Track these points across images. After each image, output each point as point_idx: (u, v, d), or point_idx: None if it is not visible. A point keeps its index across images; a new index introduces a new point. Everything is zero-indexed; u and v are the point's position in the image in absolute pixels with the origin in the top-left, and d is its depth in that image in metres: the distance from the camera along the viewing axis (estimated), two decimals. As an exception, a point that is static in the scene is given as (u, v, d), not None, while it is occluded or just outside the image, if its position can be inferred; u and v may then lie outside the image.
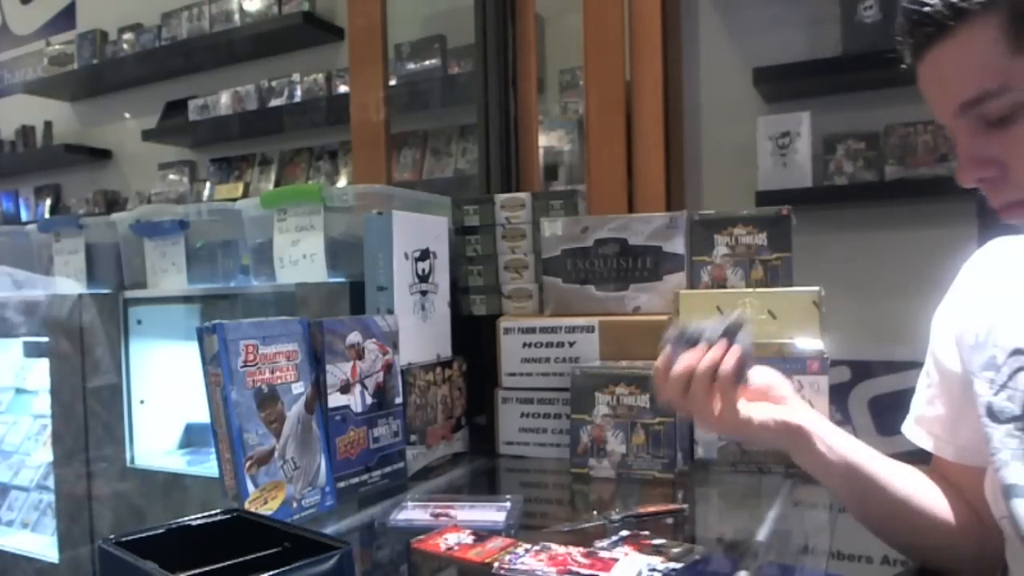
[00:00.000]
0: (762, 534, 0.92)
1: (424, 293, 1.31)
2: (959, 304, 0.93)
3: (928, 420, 0.96)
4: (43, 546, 1.79)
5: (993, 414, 0.83)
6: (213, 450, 0.96)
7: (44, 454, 1.92)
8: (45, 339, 1.71)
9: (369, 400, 1.14)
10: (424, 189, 2.07)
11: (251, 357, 0.97)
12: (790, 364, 1.15)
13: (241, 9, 3.34)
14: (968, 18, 0.70)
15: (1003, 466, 0.81)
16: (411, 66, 2.92)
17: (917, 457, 1.01)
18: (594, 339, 1.31)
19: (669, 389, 0.90)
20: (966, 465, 0.92)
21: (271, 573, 0.59)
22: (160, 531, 0.71)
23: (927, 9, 0.72)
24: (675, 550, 0.84)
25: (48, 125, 4.16)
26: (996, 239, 0.93)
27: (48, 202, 4.23)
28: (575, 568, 0.79)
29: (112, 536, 0.68)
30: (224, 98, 3.40)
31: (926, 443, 0.95)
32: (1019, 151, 0.72)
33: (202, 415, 0.96)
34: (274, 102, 3.29)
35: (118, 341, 1.60)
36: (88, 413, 1.63)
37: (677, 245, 1.32)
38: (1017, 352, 0.82)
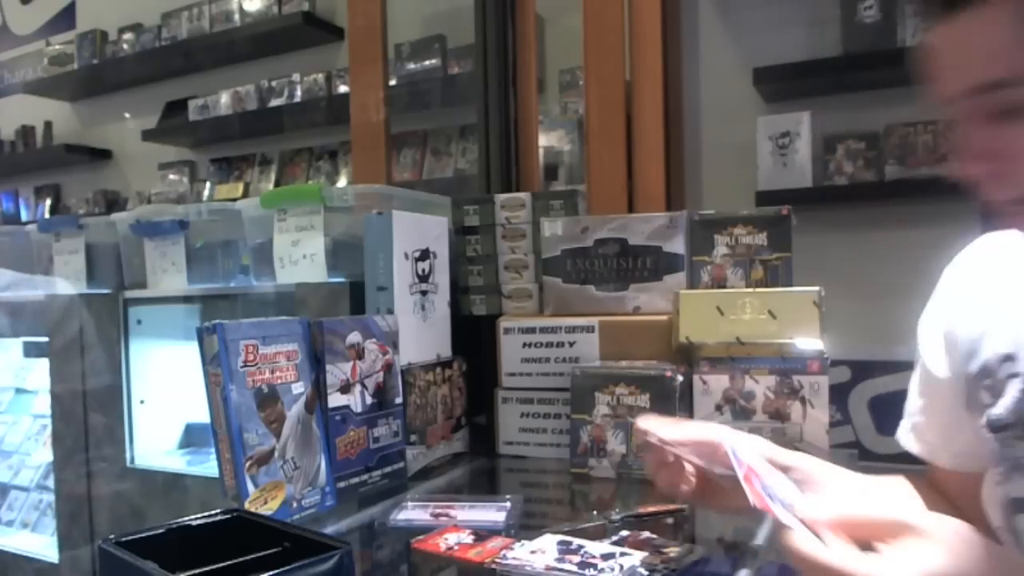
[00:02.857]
0: (762, 534, 0.92)
1: (424, 293, 1.31)
2: (947, 307, 0.90)
3: (922, 428, 0.94)
4: (43, 546, 1.79)
5: (991, 423, 0.81)
6: (213, 450, 0.96)
7: (44, 454, 1.92)
8: (45, 339, 1.71)
9: (369, 400, 1.14)
10: (424, 189, 2.06)
11: (251, 357, 0.97)
12: (790, 364, 1.16)
13: (241, 9, 3.34)
14: None
15: (1005, 479, 0.78)
16: (411, 66, 2.92)
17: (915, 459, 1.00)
18: (594, 339, 1.31)
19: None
20: (962, 472, 0.90)
21: (271, 573, 0.59)
22: (160, 531, 0.71)
23: None
24: (675, 550, 0.84)
25: (48, 125, 4.16)
26: (982, 236, 0.90)
27: (48, 202, 4.23)
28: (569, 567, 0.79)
29: (112, 536, 0.68)
30: (224, 98, 3.40)
31: (921, 451, 0.94)
32: None
33: (202, 415, 0.96)
34: (274, 102, 3.29)
35: (118, 341, 1.60)
36: (88, 413, 1.63)
37: (677, 245, 1.32)
38: (1008, 359, 0.80)
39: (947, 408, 0.89)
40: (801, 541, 0.59)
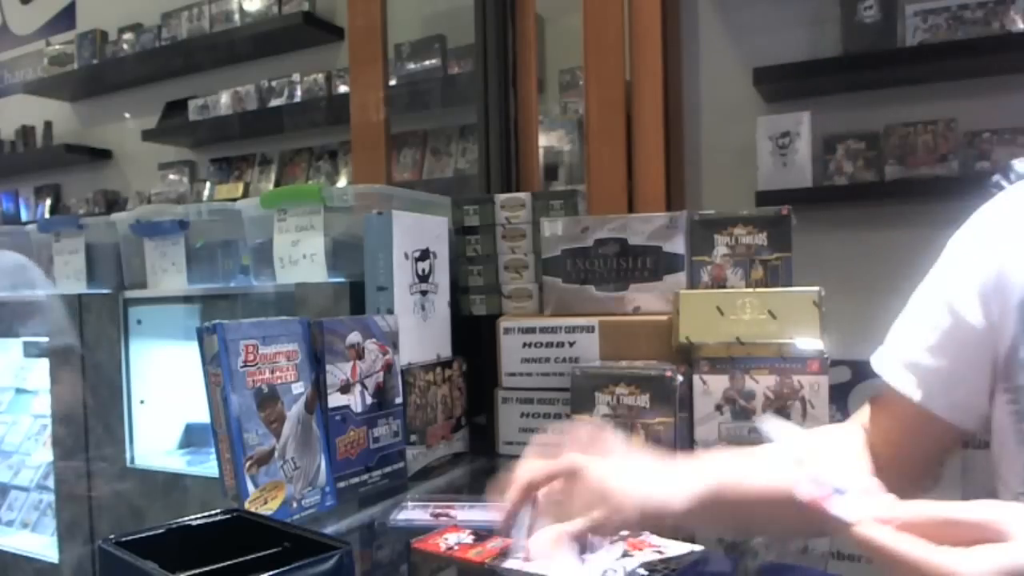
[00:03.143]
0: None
1: (424, 293, 1.31)
2: (992, 251, 0.80)
3: (925, 368, 0.83)
4: (43, 546, 1.79)
5: None
6: (213, 450, 0.96)
7: (44, 454, 1.92)
8: (45, 339, 1.71)
9: (369, 400, 1.14)
10: (424, 189, 2.06)
11: (251, 357, 0.97)
12: (790, 364, 1.15)
13: (241, 9, 3.34)
14: None
15: None
16: (411, 66, 2.92)
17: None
18: (594, 339, 1.31)
19: None
20: (955, 426, 0.82)
21: (271, 573, 0.59)
22: (160, 531, 0.71)
23: None
24: (675, 550, 0.84)
25: (48, 125, 4.16)
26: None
27: (48, 202, 4.24)
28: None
29: (112, 536, 0.68)
30: (224, 98, 3.41)
31: (917, 396, 0.83)
32: None
33: (202, 415, 0.96)
34: (274, 102, 3.29)
35: (118, 341, 1.60)
36: (88, 413, 1.63)
37: (677, 245, 1.32)
38: None
39: (963, 355, 0.81)
40: (875, 530, 0.55)
